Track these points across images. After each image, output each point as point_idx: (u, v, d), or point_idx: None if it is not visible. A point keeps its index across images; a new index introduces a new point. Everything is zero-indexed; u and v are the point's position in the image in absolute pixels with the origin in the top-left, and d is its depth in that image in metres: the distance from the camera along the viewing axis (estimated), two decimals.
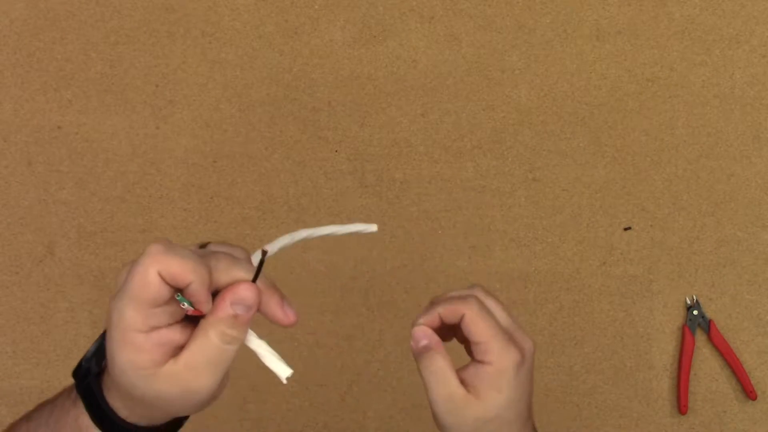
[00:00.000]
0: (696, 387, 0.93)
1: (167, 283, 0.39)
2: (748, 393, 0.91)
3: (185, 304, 0.40)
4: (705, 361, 0.93)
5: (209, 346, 0.40)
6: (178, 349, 0.41)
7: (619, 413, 0.93)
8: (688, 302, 0.92)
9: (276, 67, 0.95)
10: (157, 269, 0.38)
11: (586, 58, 0.94)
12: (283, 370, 0.44)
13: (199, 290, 0.39)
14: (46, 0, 0.95)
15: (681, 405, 0.91)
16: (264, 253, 0.42)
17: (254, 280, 0.41)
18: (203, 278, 0.39)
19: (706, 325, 0.92)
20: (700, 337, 0.92)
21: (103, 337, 0.43)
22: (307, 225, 0.93)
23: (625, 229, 0.93)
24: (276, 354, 0.44)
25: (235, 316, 0.40)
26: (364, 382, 0.93)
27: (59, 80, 0.95)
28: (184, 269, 0.38)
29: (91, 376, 0.44)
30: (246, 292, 0.41)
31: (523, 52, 0.94)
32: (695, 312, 0.92)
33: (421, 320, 0.57)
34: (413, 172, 0.94)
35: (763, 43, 0.94)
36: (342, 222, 0.94)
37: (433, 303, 0.58)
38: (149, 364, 0.40)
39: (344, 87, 0.95)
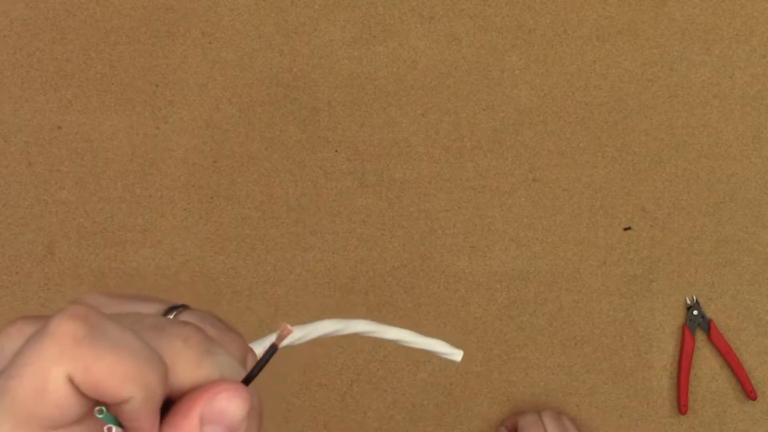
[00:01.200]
0: (696, 387, 0.92)
1: (82, 395, 0.22)
2: (748, 393, 0.91)
3: (113, 427, 0.23)
4: (705, 361, 0.93)
5: None
6: None
7: (619, 413, 0.93)
8: (688, 302, 0.92)
9: (276, 67, 0.95)
10: (66, 370, 0.22)
11: (586, 58, 0.94)
12: None
13: (141, 408, 0.23)
14: (46, 0, 0.95)
15: (681, 405, 0.91)
16: (286, 332, 0.26)
17: (248, 381, 0.26)
18: (152, 389, 0.23)
19: (706, 325, 0.92)
20: (700, 337, 0.92)
21: None
22: (306, 225, 0.93)
23: (625, 229, 0.93)
24: None
25: None
26: (364, 382, 0.93)
27: (59, 80, 0.95)
28: (118, 374, 0.22)
29: None
30: (233, 401, 0.24)
31: (523, 52, 0.94)
32: (695, 312, 0.92)
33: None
34: (413, 172, 0.94)
35: (763, 43, 0.94)
36: (344, 222, 0.94)
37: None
38: None
39: (344, 87, 0.95)
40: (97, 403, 0.23)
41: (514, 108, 0.94)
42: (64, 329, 0.22)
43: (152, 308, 0.29)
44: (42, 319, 0.25)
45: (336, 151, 0.94)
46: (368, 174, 0.94)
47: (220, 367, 0.25)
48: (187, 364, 0.24)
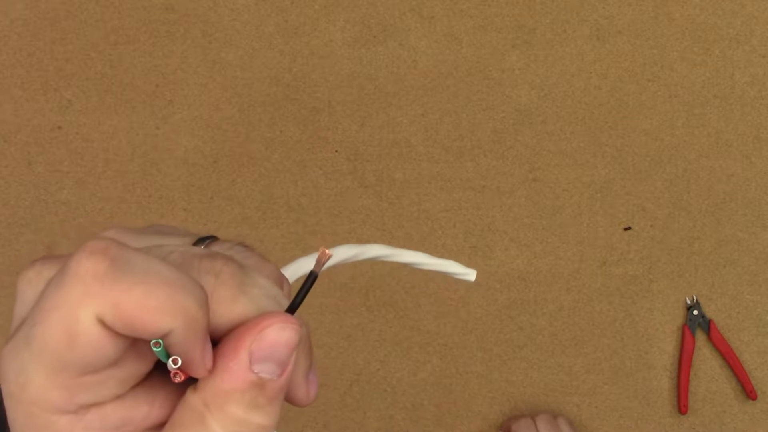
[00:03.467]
0: (696, 387, 0.92)
1: (116, 334, 0.21)
2: (748, 393, 0.91)
3: (168, 361, 0.22)
4: (705, 361, 0.93)
5: None
6: (157, 428, 0.23)
7: (619, 413, 0.93)
8: (688, 302, 0.92)
9: (276, 67, 0.95)
10: (94, 311, 0.20)
11: (586, 58, 0.94)
12: None
13: (186, 338, 0.21)
14: (46, 0, 0.95)
15: (681, 405, 0.91)
16: (325, 257, 0.24)
17: (293, 310, 0.24)
18: (192, 316, 0.21)
19: (706, 325, 0.92)
20: (700, 337, 0.92)
21: None
22: (306, 225, 0.93)
23: (625, 229, 0.93)
24: None
25: (260, 386, 0.22)
26: (364, 382, 0.93)
27: (59, 80, 0.95)
28: (151, 306, 0.20)
29: None
30: (283, 333, 0.22)
31: (523, 52, 0.94)
32: (695, 312, 0.92)
33: None
34: (413, 172, 0.94)
35: (763, 43, 0.94)
36: (344, 222, 0.94)
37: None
38: None
39: (344, 87, 0.95)
40: (134, 341, 0.21)
41: (514, 108, 0.94)
42: (85, 267, 0.20)
43: (178, 240, 0.27)
44: (61, 258, 0.23)
45: (336, 151, 0.94)
46: (368, 174, 0.94)
47: (259, 300, 0.23)
48: (223, 300, 0.23)
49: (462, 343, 0.93)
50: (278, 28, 0.95)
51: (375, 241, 0.94)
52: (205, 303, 0.21)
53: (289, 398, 0.25)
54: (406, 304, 0.94)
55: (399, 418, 0.93)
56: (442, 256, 0.34)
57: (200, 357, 0.22)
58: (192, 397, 0.22)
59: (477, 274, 0.33)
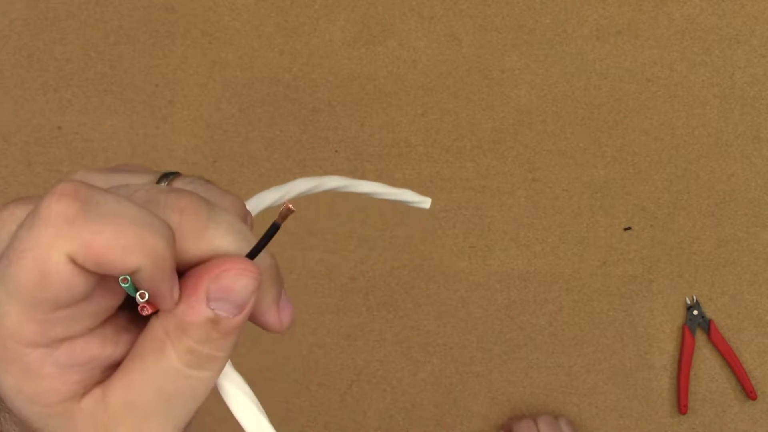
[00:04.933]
0: (696, 387, 0.92)
1: (87, 271, 0.22)
2: (748, 393, 0.91)
3: (136, 295, 0.23)
4: (705, 361, 0.93)
5: (164, 372, 0.23)
6: (108, 370, 0.24)
7: (619, 413, 0.93)
8: (688, 302, 0.92)
9: (276, 67, 0.95)
10: (65, 251, 0.21)
11: (586, 58, 0.94)
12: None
13: (153, 275, 0.22)
14: (46, 0, 0.95)
15: (681, 405, 0.91)
16: (288, 212, 0.25)
17: (253, 256, 0.25)
18: (159, 255, 0.22)
19: (706, 325, 0.92)
20: (700, 337, 0.92)
21: None
22: (306, 224, 0.93)
23: (625, 229, 0.93)
24: (257, 404, 0.26)
25: (215, 322, 0.23)
26: (364, 382, 0.93)
27: (59, 80, 0.95)
28: (120, 245, 0.21)
29: None
30: (239, 279, 0.23)
31: (523, 52, 0.94)
32: (695, 312, 0.92)
33: None
34: (413, 172, 0.94)
35: (763, 43, 0.94)
36: (344, 222, 0.94)
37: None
38: (53, 398, 0.23)
39: (344, 87, 0.95)
40: (103, 277, 0.23)
41: (514, 108, 0.94)
42: (56, 210, 0.21)
43: (143, 179, 0.28)
44: (34, 199, 0.24)
45: (336, 151, 0.94)
46: (368, 174, 0.94)
47: (223, 235, 0.24)
48: (189, 235, 0.24)
49: (462, 343, 0.93)
50: (278, 28, 0.95)
51: (375, 241, 0.94)
52: (171, 240, 0.23)
53: (261, 324, 0.27)
54: (406, 304, 0.94)
55: (399, 418, 0.93)
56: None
57: (167, 291, 0.23)
58: (154, 326, 0.24)
59: (429, 204, 0.34)
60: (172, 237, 0.23)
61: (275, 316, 0.27)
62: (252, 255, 0.25)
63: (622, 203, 0.93)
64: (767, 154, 0.93)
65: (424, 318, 0.94)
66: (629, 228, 0.93)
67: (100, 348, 0.24)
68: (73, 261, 0.21)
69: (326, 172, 0.94)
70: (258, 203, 0.30)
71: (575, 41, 0.94)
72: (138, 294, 0.23)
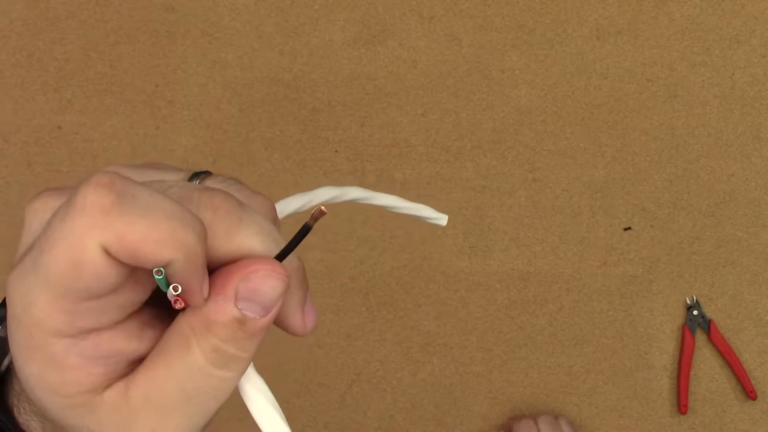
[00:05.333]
0: (696, 387, 0.92)
1: (120, 263, 0.22)
2: (748, 393, 0.91)
3: (169, 288, 0.23)
4: (705, 361, 0.93)
5: (188, 369, 0.23)
6: (132, 365, 0.24)
7: (619, 413, 0.93)
8: (688, 302, 0.92)
9: (276, 67, 0.95)
10: (99, 241, 0.21)
11: (586, 58, 0.94)
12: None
13: (185, 270, 0.22)
14: (46, 0, 0.95)
15: (681, 405, 0.91)
16: (320, 214, 0.25)
17: (282, 257, 0.25)
18: (192, 249, 0.22)
19: (706, 325, 0.92)
20: (700, 337, 0.92)
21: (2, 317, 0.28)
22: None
23: (625, 229, 0.93)
24: (278, 409, 0.26)
25: (242, 321, 0.23)
26: (364, 382, 0.93)
27: (59, 80, 0.95)
28: (154, 238, 0.21)
29: None
30: (268, 280, 0.23)
31: (523, 52, 0.94)
32: (695, 312, 0.92)
33: None
34: (413, 172, 0.94)
35: (763, 43, 0.94)
36: (344, 222, 0.94)
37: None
38: (75, 389, 0.23)
39: (344, 87, 0.95)
40: (133, 270, 0.23)
41: (514, 108, 0.94)
42: (92, 200, 0.21)
43: (175, 176, 0.28)
44: (67, 190, 0.24)
45: (336, 151, 0.94)
46: (368, 174, 0.94)
47: (254, 236, 0.24)
48: (220, 234, 0.24)
49: (462, 343, 0.93)
50: (278, 28, 0.95)
51: (375, 241, 0.94)
52: (203, 236, 0.23)
53: (285, 327, 0.27)
54: (406, 304, 0.94)
55: (399, 418, 0.93)
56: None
57: (197, 287, 0.23)
58: (181, 323, 0.24)
59: (446, 221, 0.34)
60: (204, 233, 0.23)
61: (300, 319, 0.27)
62: (281, 256, 0.25)
63: (622, 203, 0.93)
64: (767, 154, 0.93)
65: (424, 318, 0.93)
66: (629, 228, 0.93)
67: (125, 342, 0.24)
68: (107, 251, 0.21)
69: (326, 173, 0.94)
70: (282, 209, 0.30)
71: (575, 41, 0.94)
72: (171, 287, 0.23)
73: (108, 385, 0.24)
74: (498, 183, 0.94)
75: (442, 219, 0.35)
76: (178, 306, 0.23)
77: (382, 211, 0.94)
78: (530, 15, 0.94)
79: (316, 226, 0.30)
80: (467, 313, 0.93)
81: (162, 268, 0.22)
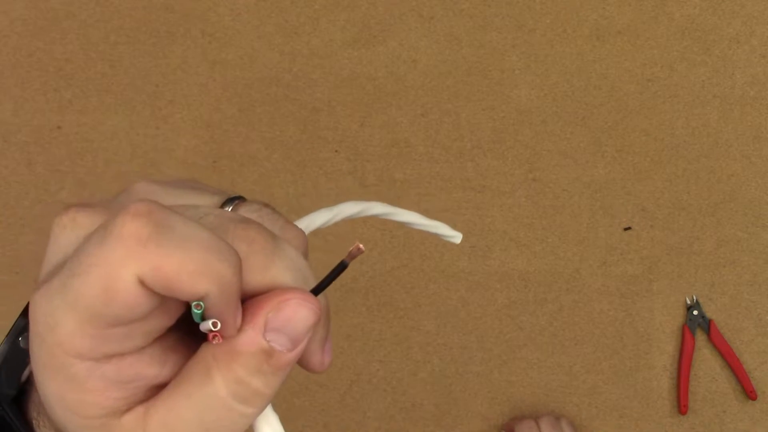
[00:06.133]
0: (696, 387, 0.92)
1: (153, 293, 0.22)
2: (748, 393, 0.91)
3: (208, 323, 0.23)
4: (705, 361, 0.93)
5: (208, 399, 0.23)
6: (153, 390, 0.24)
7: (619, 413, 0.93)
8: (688, 302, 0.92)
9: (276, 67, 0.95)
10: (135, 272, 0.21)
11: (586, 58, 0.94)
12: None
13: (219, 302, 0.22)
14: (46, 0, 0.95)
15: (681, 405, 0.91)
16: (357, 252, 0.25)
17: (317, 292, 0.25)
18: (227, 282, 0.22)
19: (706, 325, 0.92)
20: (700, 337, 0.92)
21: (17, 334, 0.29)
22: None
23: (625, 229, 0.93)
24: None
25: (269, 354, 0.23)
26: (364, 382, 0.93)
27: (59, 80, 0.95)
28: (190, 271, 0.21)
29: (1, 406, 0.27)
30: (300, 310, 0.23)
31: (523, 52, 0.94)
32: (695, 312, 0.92)
33: None
34: (413, 172, 0.94)
35: (763, 43, 0.94)
36: (344, 222, 0.94)
37: None
38: (94, 411, 0.23)
39: (344, 87, 0.95)
40: (164, 298, 0.22)
41: (514, 108, 0.94)
42: (129, 229, 0.21)
43: (208, 199, 0.28)
44: (95, 207, 0.24)
45: (336, 151, 0.94)
46: (368, 174, 0.94)
47: (286, 271, 0.24)
48: (254, 268, 0.23)
49: (462, 343, 0.93)
50: (278, 28, 0.95)
51: (375, 241, 0.94)
52: (239, 269, 0.22)
53: (304, 365, 0.26)
54: (406, 304, 0.94)
55: (399, 418, 0.93)
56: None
57: (231, 319, 0.22)
58: (204, 351, 0.23)
59: (461, 239, 0.35)
60: (239, 266, 0.22)
61: (319, 357, 0.26)
62: (315, 291, 0.24)
63: (622, 203, 0.93)
64: (767, 154, 0.93)
65: (424, 318, 0.93)
66: (629, 228, 0.93)
67: (147, 367, 0.23)
68: (141, 282, 0.21)
69: (326, 173, 0.94)
70: (308, 225, 0.30)
71: (575, 41, 0.94)
72: (210, 323, 0.22)
73: (127, 408, 0.23)
74: (498, 183, 0.94)
75: (457, 237, 0.36)
76: (215, 341, 0.23)
77: None
78: (530, 15, 0.94)
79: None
80: (467, 313, 0.93)
81: (201, 302, 0.22)
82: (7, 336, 0.29)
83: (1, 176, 0.95)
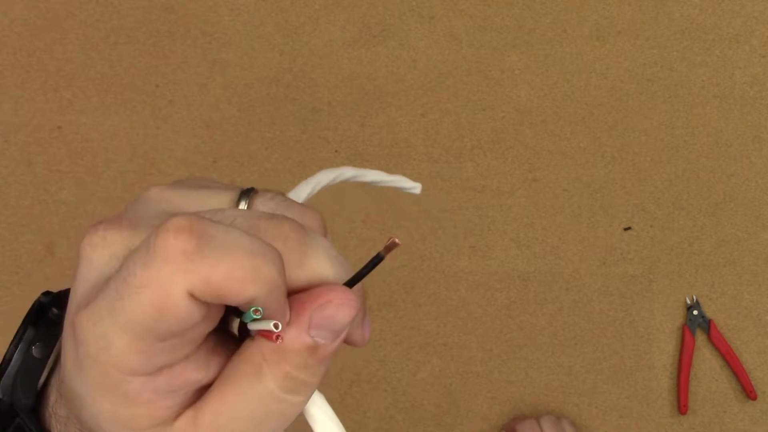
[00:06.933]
0: (696, 387, 0.92)
1: (202, 303, 0.22)
2: (748, 393, 0.91)
3: (270, 325, 0.24)
4: (705, 361, 0.93)
5: (260, 396, 0.24)
6: (198, 392, 0.25)
7: (619, 413, 0.93)
8: (688, 302, 0.92)
9: (276, 67, 0.95)
10: (186, 286, 0.21)
11: (586, 58, 0.94)
12: None
13: (269, 303, 0.23)
14: (46, 0, 0.95)
15: (681, 405, 0.91)
16: (393, 246, 0.25)
17: (353, 284, 0.26)
18: (274, 282, 0.23)
19: (706, 325, 0.92)
20: (700, 337, 0.92)
21: (29, 343, 0.29)
22: None
23: (625, 229, 0.93)
24: (343, 430, 0.27)
25: (314, 348, 0.24)
26: (364, 382, 0.93)
27: (59, 80, 0.95)
28: (238, 277, 0.22)
29: (20, 417, 0.28)
30: (342, 309, 0.24)
31: (523, 52, 0.94)
32: (695, 312, 0.92)
33: None
34: (413, 172, 0.94)
35: (763, 43, 0.94)
36: (344, 222, 0.94)
37: None
38: (147, 423, 0.24)
39: (344, 87, 0.95)
40: (210, 306, 0.23)
41: (514, 108, 0.94)
42: (173, 246, 0.21)
43: (224, 197, 0.28)
44: (122, 223, 0.25)
45: (336, 151, 0.94)
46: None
47: (323, 265, 0.25)
48: (293, 264, 0.24)
49: (462, 343, 0.93)
50: (278, 28, 0.95)
51: (375, 241, 0.94)
52: (283, 268, 0.23)
53: (347, 341, 0.27)
54: (406, 304, 0.94)
55: (399, 418, 0.93)
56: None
57: (281, 317, 0.24)
58: (251, 350, 0.24)
59: (420, 189, 0.37)
60: (282, 265, 0.23)
61: (360, 334, 0.28)
62: (351, 283, 0.26)
63: (622, 203, 0.93)
64: (767, 154, 0.93)
65: (424, 318, 0.93)
66: (629, 228, 0.93)
67: (195, 372, 0.24)
68: (191, 295, 0.22)
69: None
70: (296, 199, 0.31)
71: (575, 41, 0.94)
72: (272, 324, 0.23)
73: (177, 415, 0.24)
74: (498, 183, 0.94)
75: (416, 188, 0.37)
76: (279, 342, 0.24)
77: (382, 210, 0.94)
78: (530, 15, 0.94)
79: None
80: (467, 313, 0.93)
81: (260, 308, 0.23)
82: (14, 345, 0.29)
83: (1, 176, 0.95)
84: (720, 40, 0.94)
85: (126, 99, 0.95)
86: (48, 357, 0.30)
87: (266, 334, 0.24)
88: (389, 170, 0.94)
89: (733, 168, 0.93)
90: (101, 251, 0.24)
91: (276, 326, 0.23)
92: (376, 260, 0.26)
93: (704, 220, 0.93)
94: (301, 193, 0.32)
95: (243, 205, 0.28)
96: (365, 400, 0.93)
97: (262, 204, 0.28)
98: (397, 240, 0.26)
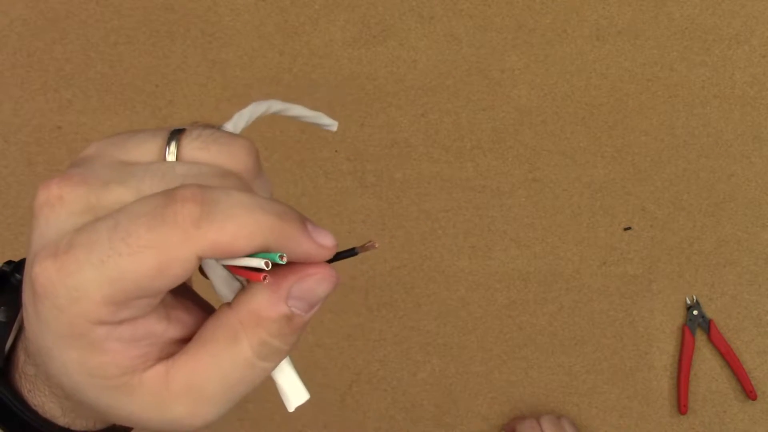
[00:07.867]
0: (696, 387, 0.93)
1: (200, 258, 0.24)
2: (748, 393, 0.91)
3: (276, 257, 0.25)
4: (705, 361, 0.93)
5: (234, 360, 0.25)
6: (163, 346, 0.26)
7: (619, 413, 0.93)
8: (688, 302, 0.92)
9: (276, 67, 0.95)
10: (195, 251, 0.23)
11: (586, 58, 0.94)
12: (297, 395, 0.29)
13: (281, 244, 0.25)
14: (46, 0, 0.95)
15: (681, 405, 0.91)
16: (371, 246, 0.28)
17: (332, 261, 0.27)
18: (281, 228, 0.25)
19: (706, 325, 0.92)
20: (700, 337, 0.92)
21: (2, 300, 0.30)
22: None
23: (625, 229, 0.93)
24: (295, 371, 0.29)
25: (290, 318, 0.25)
26: (364, 382, 0.93)
27: (59, 80, 0.95)
28: (244, 235, 0.24)
29: None
30: (322, 283, 0.26)
31: (523, 52, 0.94)
32: (695, 312, 0.92)
33: None
34: (413, 172, 0.94)
35: (763, 43, 0.94)
36: (344, 222, 0.94)
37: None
38: (114, 371, 0.25)
39: (344, 87, 0.95)
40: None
41: (514, 108, 0.94)
42: (182, 214, 0.23)
43: (154, 143, 0.29)
44: (74, 179, 0.25)
45: (336, 151, 0.94)
46: (368, 174, 0.94)
47: (310, 238, 0.26)
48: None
49: (462, 343, 0.93)
50: (278, 28, 0.95)
51: (375, 241, 0.94)
52: (281, 213, 0.25)
53: (303, 258, 0.27)
54: (406, 304, 0.94)
55: (399, 418, 0.93)
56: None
57: (303, 247, 0.25)
58: (228, 315, 0.26)
59: (336, 127, 0.38)
60: (283, 207, 0.25)
61: (308, 243, 0.26)
62: (331, 261, 0.27)
63: (622, 203, 0.93)
64: (767, 154, 0.93)
65: (424, 318, 0.93)
66: (629, 228, 0.93)
67: (156, 324, 0.25)
68: (199, 258, 0.23)
69: (326, 173, 0.94)
70: (234, 128, 0.32)
71: (575, 41, 0.94)
72: (264, 262, 0.24)
73: (145, 368, 0.25)
74: (498, 183, 0.94)
75: (333, 125, 0.38)
76: (265, 281, 0.25)
77: (382, 210, 0.94)
78: (530, 15, 0.94)
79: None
80: (467, 313, 0.93)
81: (284, 254, 0.24)
82: None
83: (1, 176, 0.95)
84: (720, 40, 0.94)
85: (126, 99, 0.95)
86: (14, 321, 0.31)
87: (250, 274, 0.24)
88: (390, 170, 0.94)
89: (733, 168, 0.93)
90: (59, 210, 0.25)
91: (267, 264, 0.24)
92: (350, 253, 0.27)
93: (704, 220, 0.93)
94: (239, 123, 0.32)
95: (173, 147, 0.28)
96: (365, 400, 0.93)
97: (189, 144, 0.28)
98: (376, 245, 0.28)
